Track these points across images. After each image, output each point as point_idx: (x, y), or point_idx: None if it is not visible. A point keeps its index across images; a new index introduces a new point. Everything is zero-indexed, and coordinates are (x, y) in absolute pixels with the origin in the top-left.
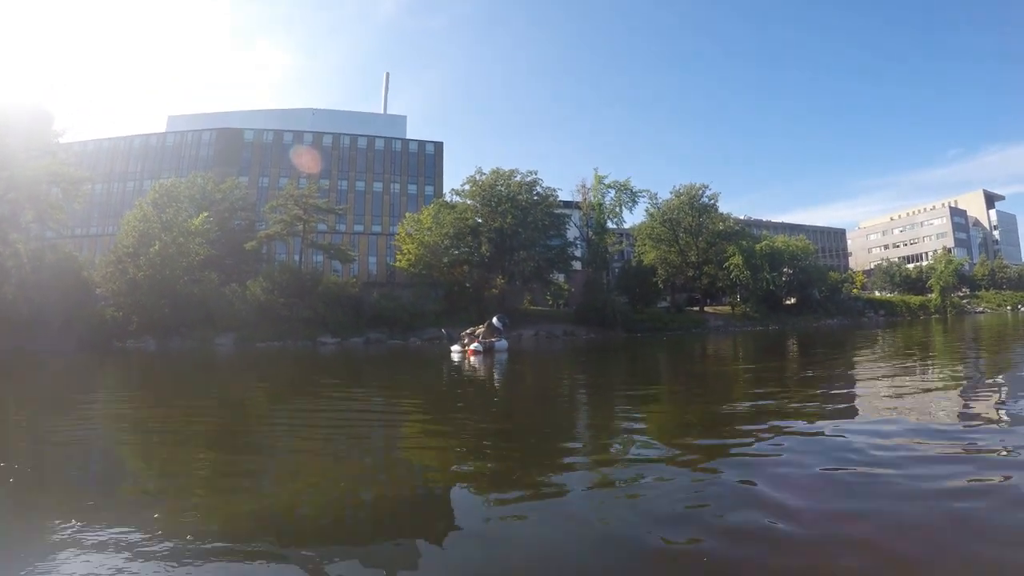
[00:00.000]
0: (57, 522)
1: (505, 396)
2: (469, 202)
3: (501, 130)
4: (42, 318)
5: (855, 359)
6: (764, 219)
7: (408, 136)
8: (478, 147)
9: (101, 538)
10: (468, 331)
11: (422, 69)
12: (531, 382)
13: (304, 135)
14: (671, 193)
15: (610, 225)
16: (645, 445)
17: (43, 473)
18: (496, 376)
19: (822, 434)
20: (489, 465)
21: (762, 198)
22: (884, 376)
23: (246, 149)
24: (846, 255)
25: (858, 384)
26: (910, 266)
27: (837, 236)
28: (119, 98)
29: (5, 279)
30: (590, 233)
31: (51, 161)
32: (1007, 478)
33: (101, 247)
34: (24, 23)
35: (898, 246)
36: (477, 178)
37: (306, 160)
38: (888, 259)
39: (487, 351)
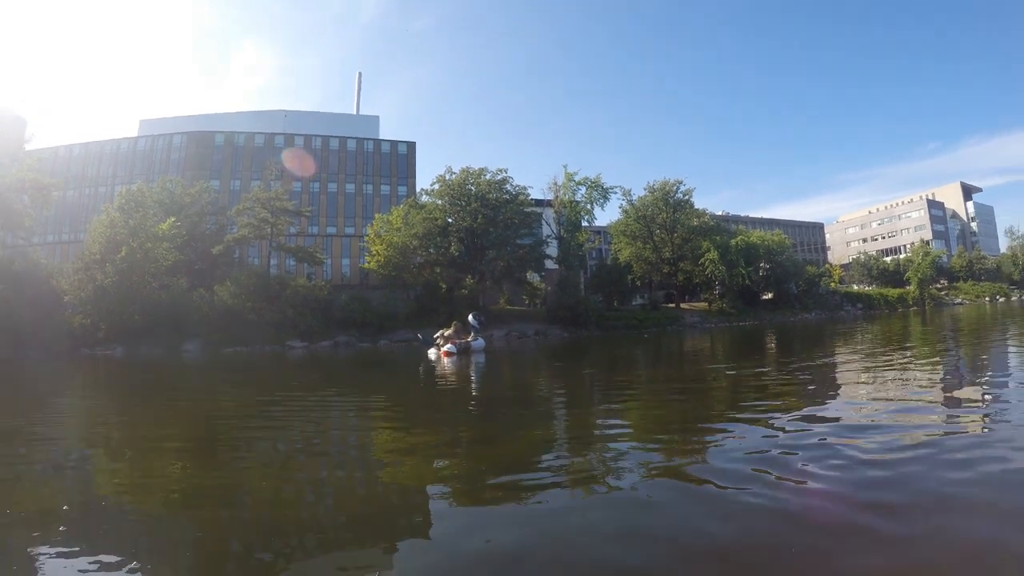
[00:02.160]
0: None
1: (476, 400)
2: (438, 202)
3: (477, 131)
4: (9, 325)
5: (834, 356)
6: (743, 215)
7: (382, 137)
8: (454, 148)
9: (71, 551)
10: (439, 333)
11: (400, 71)
12: (501, 384)
13: (276, 137)
14: (645, 189)
15: (584, 223)
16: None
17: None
18: (472, 379)
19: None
20: (458, 472)
21: (742, 195)
22: (864, 380)
23: (217, 152)
24: (825, 249)
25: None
26: (888, 259)
27: (816, 230)
28: (93, 102)
29: None
30: (562, 231)
31: (19, 168)
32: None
33: (73, 253)
34: None
35: (876, 239)
36: (447, 177)
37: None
38: (866, 252)
39: (463, 352)
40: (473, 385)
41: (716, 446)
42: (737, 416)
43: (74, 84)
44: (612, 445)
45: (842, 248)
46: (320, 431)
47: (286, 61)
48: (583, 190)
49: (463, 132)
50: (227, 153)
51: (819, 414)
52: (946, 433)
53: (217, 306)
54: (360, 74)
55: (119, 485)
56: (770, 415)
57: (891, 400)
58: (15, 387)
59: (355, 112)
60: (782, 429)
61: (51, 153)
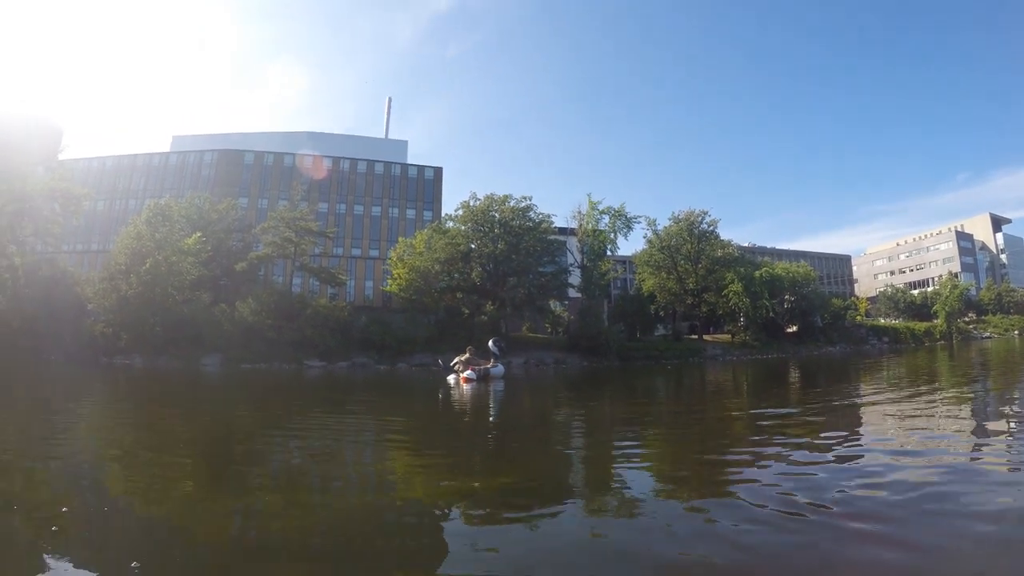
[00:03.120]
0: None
1: (492, 428)
2: (462, 227)
3: (504, 157)
4: (33, 330)
5: (859, 393)
6: (769, 246)
7: (410, 161)
8: (481, 174)
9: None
10: (456, 359)
11: (431, 96)
12: (519, 413)
13: (306, 158)
14: (670, 219)
15: (607, 252)
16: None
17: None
18: (491, 407)
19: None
20: (471, 498)
21: (769, 226)
22: (892, 416)
23: (246, 171)
24: (851, 282)
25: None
26: (915, 292)
27: (842, 263)
28: (129, 116)
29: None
30: (584, 260)
31: (52, 176)
32: None
33: (101, 263)
34: (32, 37)
35: (904, 272)
36: (471, 203)
37: (311, 166)
38: (893, 285)
39: (482, 378)
40: (491, 413)
41: (734, 478)
42: (755, 450)
43: (111, 98)
44: (627, 474)
45: (869, 281)
46: (334, 451)
47: (318, 81)
48: (606, 219)
49: (491, 158)
50: (256, 171)
51: (839, 453)
52: (975, 471)
53: (238, 322)
54: (390, 99)
55: (126, 490)
56: (791, 451)
57: (920, 442)
58: (36, 391)
59: (384, 136)
60: (805, 464)
61: (85, 164)
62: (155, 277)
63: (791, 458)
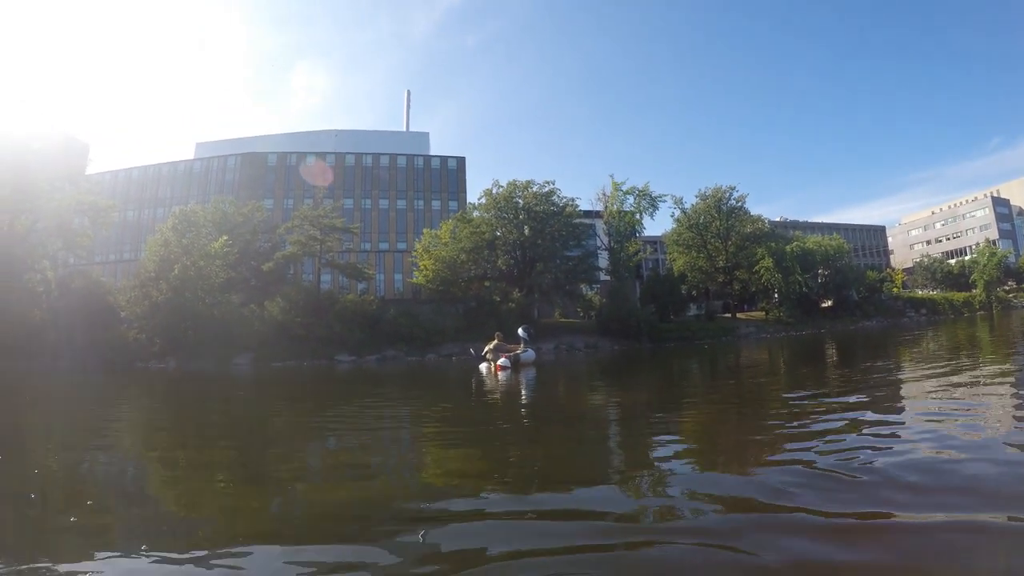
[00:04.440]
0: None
1: (526, 416)
2: (486, 215)
3: (528, 144)
4: (69, 340)
5: (900, 369)
6: (801, 220)
7: (433, 153)
8: (506, 162)
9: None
10: (486, 348)
11: (452, 87)
12: (552, 400)
13: (327, 156)
14: (696, 197)
15: (633, 233)
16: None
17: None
18: (523, 395)
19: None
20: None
21: (801, 200)
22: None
23: (270, 173)
24: (887, 253)
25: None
26: (952, 261)
27: (877, 234)
28: (153, 127)
29: (35, 304)
30: (611, 242)
31: (77, 191)
32: None
33: (132, 272)
34: (58, 56)
35: (940, 241)
36: (493, 191)
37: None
38: (930, 255)
39: (514, 364)
40: (523, 400)
41: (779, 457)
42: (802, 435)
43: (135, 111)
44: (665, 467)
45: (905, 251)
46: (368, 443)
47: (340, 81)
48: (631, 200)
49: (515, 146)
50: (280, 173)
51: (881, 432)
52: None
53: (267, 321)
54: (408, 92)
55: (161, 483)
56: (833, 432)
57: (968, 420)
58: (73, 397)
59: (405, 129)
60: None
61: (112, 176)
62: (184, 282)
63: (834, 439)
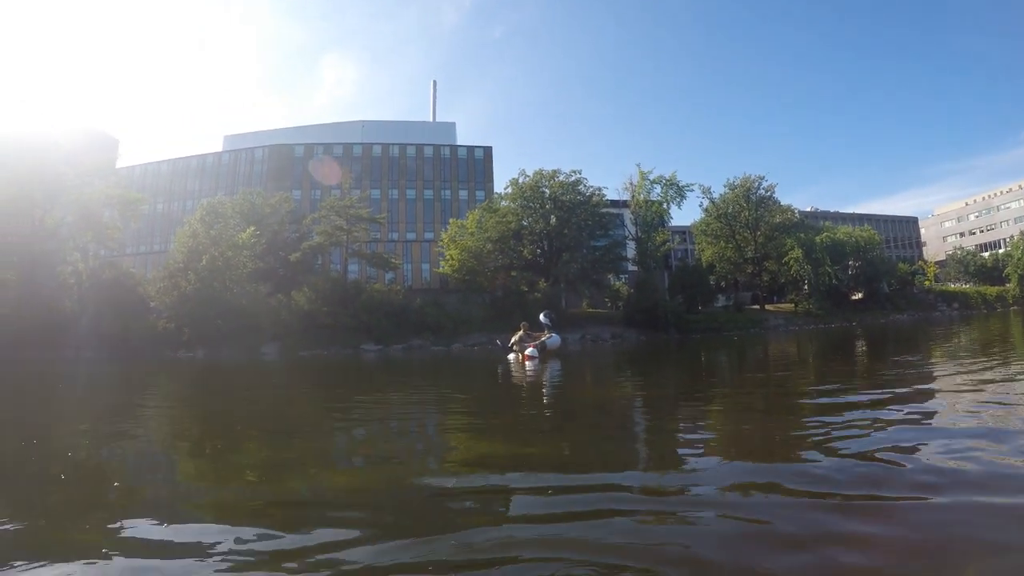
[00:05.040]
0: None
1: (553, 407)
2: (511, 205)
3: (555, 133)
4: (100, 330)
5: (934, 365)
6: (832, 210)
7: (460, 143)
8: (533, 151)
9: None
10: (512, 339)
11: (479, 77)
12: (580, 390)
13: (354, 147)
14: (725, 186)
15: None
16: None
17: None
18: (548, 384)
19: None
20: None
21: (831, 190)
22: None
23: (297, 164)
24: (919, 245)
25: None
26: (985, 254)
27: (909, 225)
28: (182, 121)
29: (66, 295)
30: (638, 232)
31: (107, 185)
32: None
33: (162, 263)
34: (89, 52)
35: (975, 233)
36: (519, 180)
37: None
38: (963, 247)
39: (541, 353)
40: (549, 390)
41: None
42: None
43: (166, 106)
44: (691, 456)
45: (938, 243)
46: (395, 429)
47: (368, 72)
48: (658, 189)
49: (541, 135)
50: (307, 164)
51: (916, 433)
52: None
53: (294, 311)
54: (435, 82)
55: (189, 468)
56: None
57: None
58: (104, 386)
59: (432, 119)
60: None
61: (141, 169)
62: (212, 272)
63: (864, 429)
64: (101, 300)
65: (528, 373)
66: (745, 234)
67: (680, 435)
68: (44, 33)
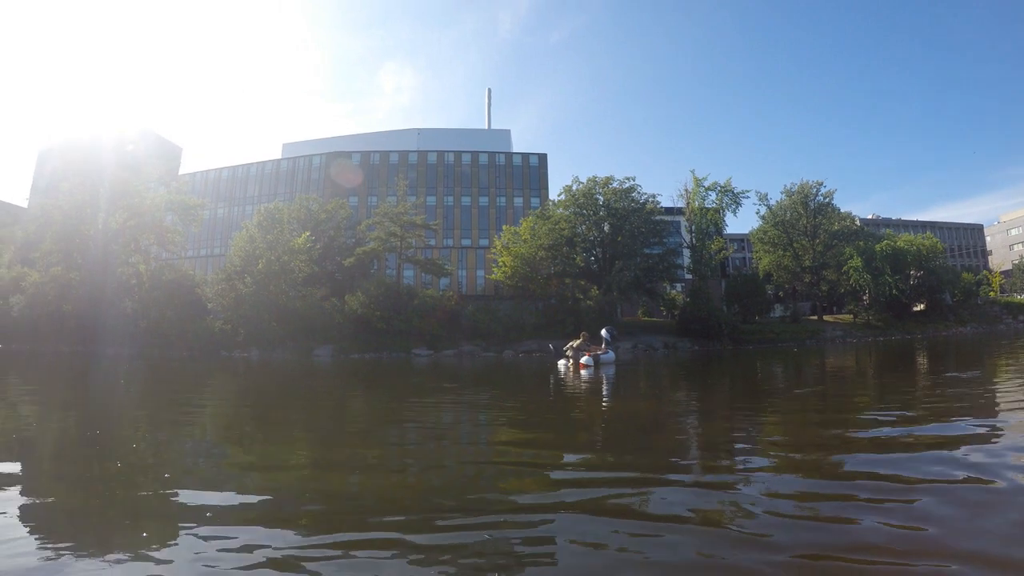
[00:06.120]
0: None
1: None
2: (565, 212)
3: (610, 140)
4: (160, 329)
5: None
6: (893, 218)
7: (515, 150)
8: (588, 158)
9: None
10: (568, 345)
11: (536, 84)
12: (634, 401)
13: (409, 154)
14: (782, 193)
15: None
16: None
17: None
18: (604, 394)
19: None
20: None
21: (893, 197)
22: None
23: (354, 171)
24: (985, 253)
25: None
26: None
27: (974, 233)
28: (243, 129)
29: (127, 295)
30: (693, 239)
31: (169, 191)
32: None
33: (221, 266)
34: (154, 64)
35: None
36: (573, 187)
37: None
38: None
39: (595, 364)
40: (605, 400)
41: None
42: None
43: (229, 114)
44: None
45: (1004, 252)
46: (444, 433)
47: (426, 80)
48: (713, 196)
49: (597, 142)
50: (364, 171)
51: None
52: None
53: (348, 314)
54: (489, 90)
55: (239, 463)
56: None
57: None
58: (162, 382)
59: (487, 127)
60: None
61: (203, 176)
62: (268, 276)
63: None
64: (161, 301)
65: (582, 381)
66: (803, 242)
67: (731, 448)
68: (117, 47)
